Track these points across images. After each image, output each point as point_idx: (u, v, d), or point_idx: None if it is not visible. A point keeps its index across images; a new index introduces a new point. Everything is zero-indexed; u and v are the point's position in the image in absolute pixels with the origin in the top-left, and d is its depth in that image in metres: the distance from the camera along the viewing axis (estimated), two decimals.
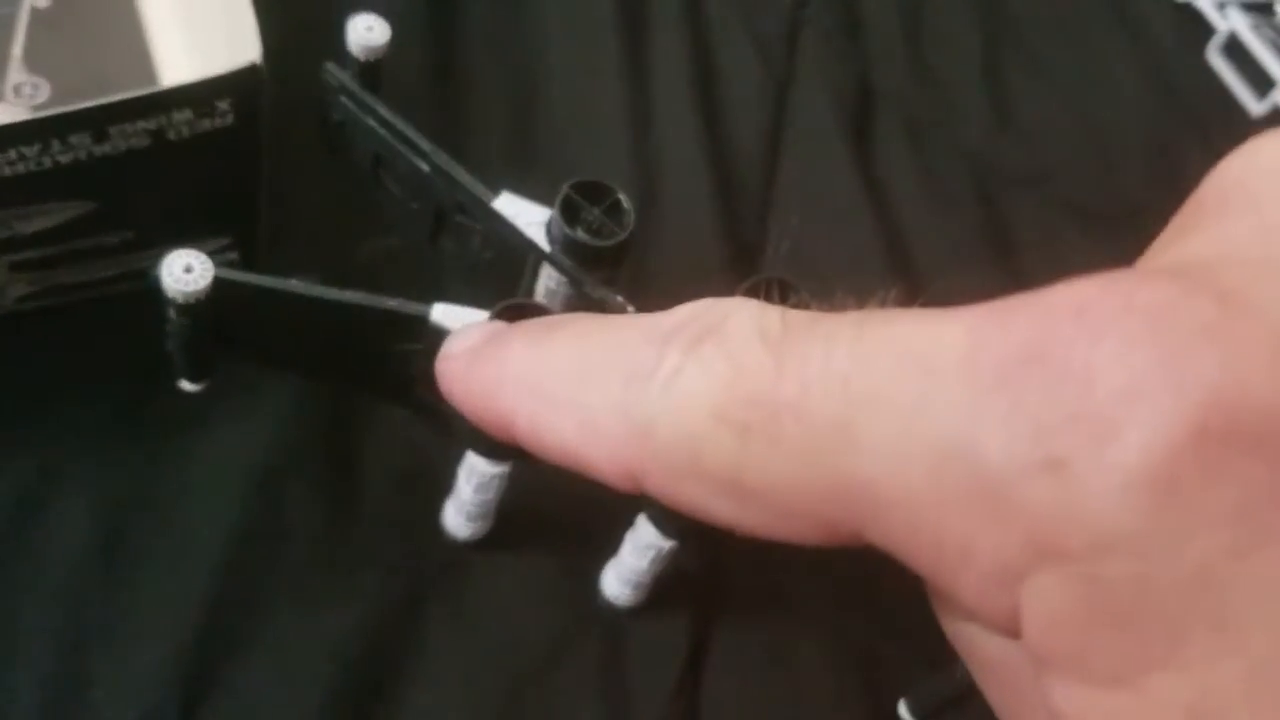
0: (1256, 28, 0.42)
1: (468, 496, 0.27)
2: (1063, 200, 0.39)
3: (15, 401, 0.29)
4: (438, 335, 0.23)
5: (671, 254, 0.34)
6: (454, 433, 0.25)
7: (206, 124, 0.25)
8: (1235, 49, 0.42)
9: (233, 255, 0.29)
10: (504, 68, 0.37)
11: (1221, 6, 0.43)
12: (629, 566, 0.27)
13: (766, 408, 0.17)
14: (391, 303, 0.23)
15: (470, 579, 0.29)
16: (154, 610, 0.27)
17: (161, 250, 0.22)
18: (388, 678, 0.27)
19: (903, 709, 0.28)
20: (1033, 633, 0.15)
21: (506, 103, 0.37)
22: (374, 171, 0.28)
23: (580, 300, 0.25)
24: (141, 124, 0.24)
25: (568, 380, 0.19)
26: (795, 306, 0.18)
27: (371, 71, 0.27)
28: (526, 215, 0.26)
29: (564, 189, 0.25)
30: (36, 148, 0.24)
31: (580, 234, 0.25)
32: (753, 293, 0.24)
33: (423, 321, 0.23)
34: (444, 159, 0.26)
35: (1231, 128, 0.42)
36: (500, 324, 0.22)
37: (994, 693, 0.18)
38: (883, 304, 0.18)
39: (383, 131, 0.27)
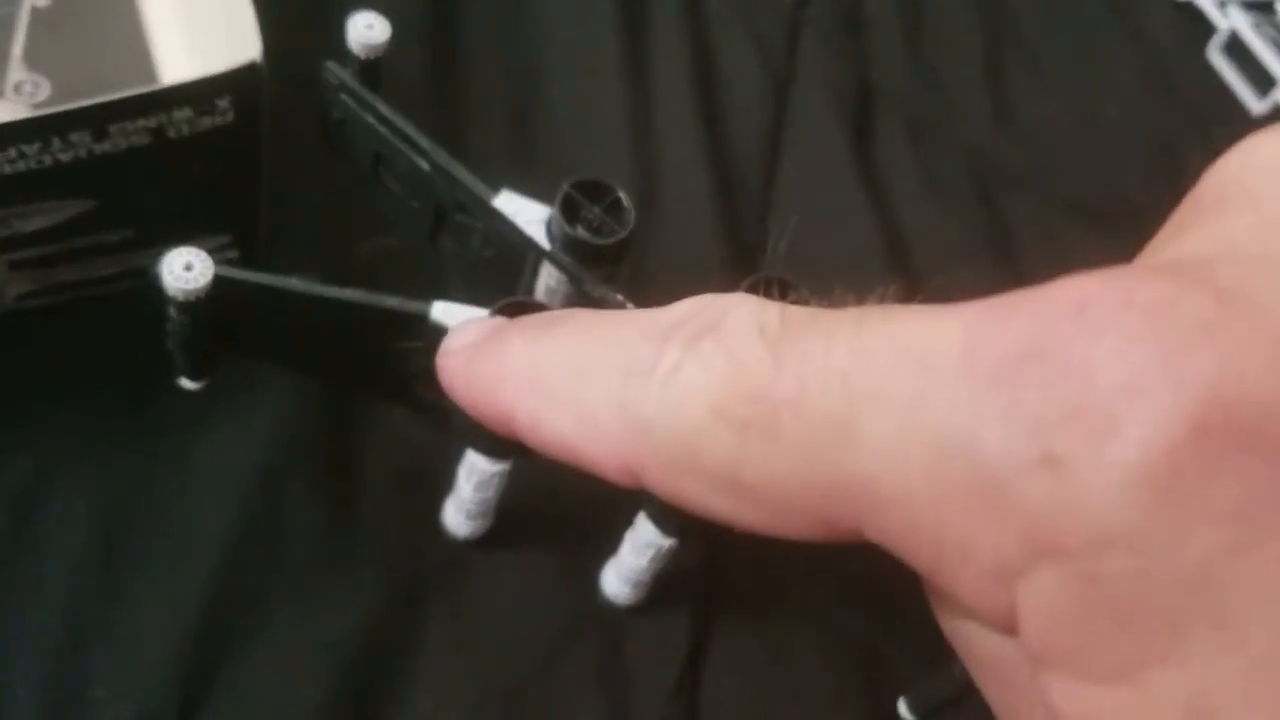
0: (1257, 26, 0.42)
1: (467, 495, 0.27)
2: (1063, 199, 0.39)
3: (14, 400, 0.29)
4: (438, 333, 0.23)
5: (671, 253, 0.34)
6: (454, 431, 0.25)
7: (207, 122, 0.25)
8: (1236, 48, 0.42)
9: (232, 253, 0.29)
10: (504, 66, 0.37)
11: (1222, 5, 0.43)
12: (629, 565, 0.27)
13: (765, 404, 0.17)
14: (391, 301, 0.23)
15: (470, 577, 0.29)
16: (154, 609, 0.27)
17: (162, 248, 0.22)
18: (387, 676, 0.27)
19: (902, 707, 0.28)
20: (1030, 630, 0.15)
21: (506, 102, 0.37)
22: (374, 170, 0.28)
23: (580, 298, 0.25)
24: (142, 122, 0.24)
25: (567, 376, 0.19)
26: (795, 304, 0.18)
27: (372, 70, 0.27)
28: (526, 213, 0.26)
29: (564, 187, 0.25)
30: (37, 146, 0.24)
31: (580, 232, 0.25)
32: (753, 291, 0.24)
33: (423, 319, 0.23)
34: (444, 157, 0.26)
35: (1232, 127, 0.41)
36: (500, 320, 0.22)
37: (992, 690, 0.18)
38: (881, 300, 0.18)
39: (383, 130, 0.27)
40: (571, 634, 0.28)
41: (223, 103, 0.25)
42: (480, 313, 0.23)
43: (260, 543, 0.28)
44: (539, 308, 0.23)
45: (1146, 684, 0.14)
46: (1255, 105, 0.42)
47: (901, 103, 0.40)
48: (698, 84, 0.38)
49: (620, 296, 0.24)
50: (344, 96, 0.27)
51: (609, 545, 0.28)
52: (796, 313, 0.17)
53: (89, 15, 0.26)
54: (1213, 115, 0.42)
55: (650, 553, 0.26)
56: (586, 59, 0.38)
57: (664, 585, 0.28)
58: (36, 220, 0.26)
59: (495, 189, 0.26)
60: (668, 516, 0.25)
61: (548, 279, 0.26)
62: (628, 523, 0.27)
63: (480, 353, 0.21)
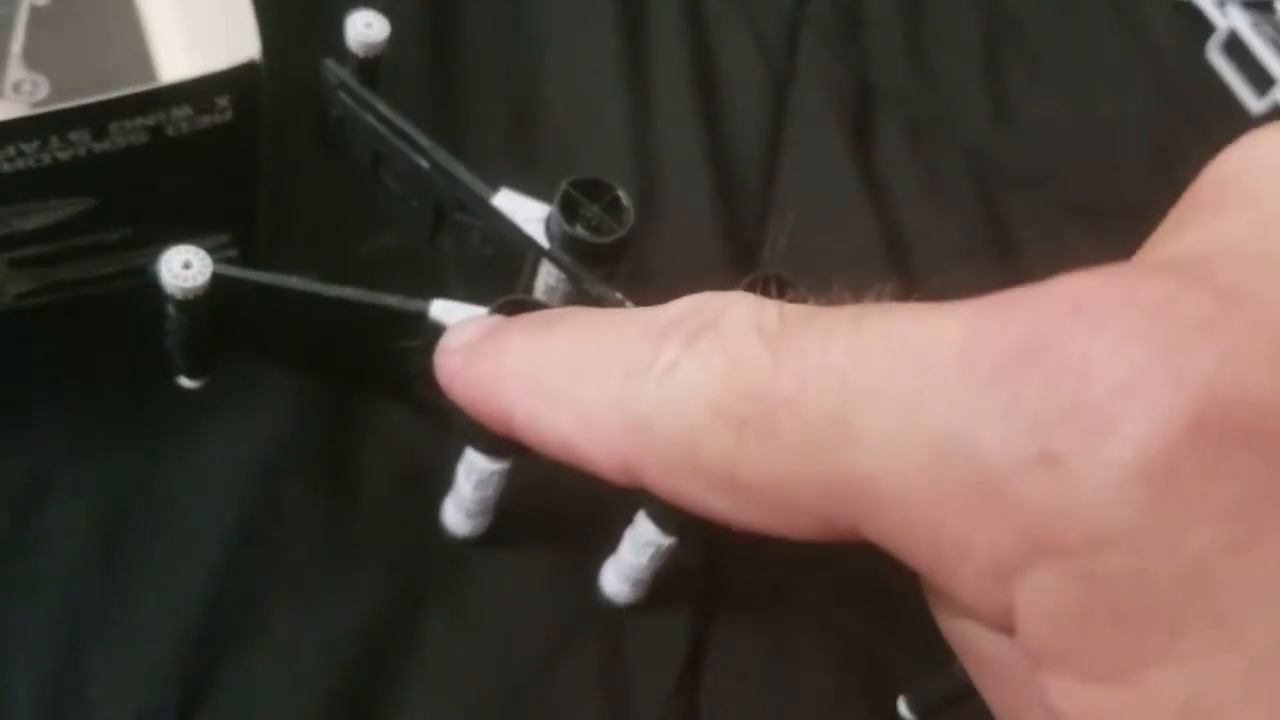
0: (1256, 25, 0.42)
1: (467, 493, 0.27)
2: (1063, 198, 0.39)
3: (14, 399, 0.29)
4: (437, 332, 0.23)
5: (671, 252, 0.34)
6: (453, 429, 0.25)
7: (205, 120, 0.25)
8: (1235, 47, 0.42)
9: (232, 252, 0.29)
10: (504, 66, 0.37)
11: (1221, 4, 0.43)
12: (628, 563, 0.27)
13: (763, 402, 0.17)
14: (391, 299, 0.23)
15: (470, 576, 0.29)
16: (153, 609, 0.27)
17: (161, 247, 0.22)
18: (387, 676, 0.27)
19: (902, 706, 0.28)
20: (1028, 629, 0.15)
21: (506, 101, 0.37)
22: (373, 168, 0.28)
23: (579, 297, 0.25)
24: (141, 120, 0.24)
25: (565, 375, 0.19)
26: (793, 302, 0.18)
27: (371, 68, 0.27)
28: (526, 212, 0.26)
29: (563, 186, 0.25)
30: (36, 144, 0.24)
31: (579, 231, 0.25)
32: (752, 289, 0.24)
33: (422, 318, 0.23)
34: (443, 156, 0.26)
35: (1231, 125, 0.41)
36: (498, 318, 0.22)
37: (990, 689, 0.18)
38: (879, 298, 0.18)
39: (382, 128, 0.27)
40: (571, 632, 0.28)
41: (222, 101, 0.25)
42: (480, 311, 0.23)
43: (260, 542, 0.28)
44: (538, 306, 0.23)
45: (1145, 684, 0.14)
46: (1254, 104, 0.42)
47: (901, 102, 0.40)
48: (697, 84, 0.38)
49: (619, 295, 0.24)
50: (343, 95, 0.27)
51: (609, 543, 0.28)
52: (794, 311, 0.17)
53: (88, 14, 0.26)
54: (1212, 114, 0.42)
55: (650, 551, 0.26)
56: (586, 59, 0.38)
57: (664, 583, 0.28)
58: (36, 219, 0.26)
59: (494, 187, 0.26)
60: (667, 515, 0.25)
61: (547, 277, 0.26)
62: (627, 521, 0.27)
63: (478, 351, 0.21)
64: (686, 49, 0.39)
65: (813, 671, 0.29)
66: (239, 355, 0.25)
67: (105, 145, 0.24)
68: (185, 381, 0.25)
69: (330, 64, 0.27)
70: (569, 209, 0.25)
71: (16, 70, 0.25)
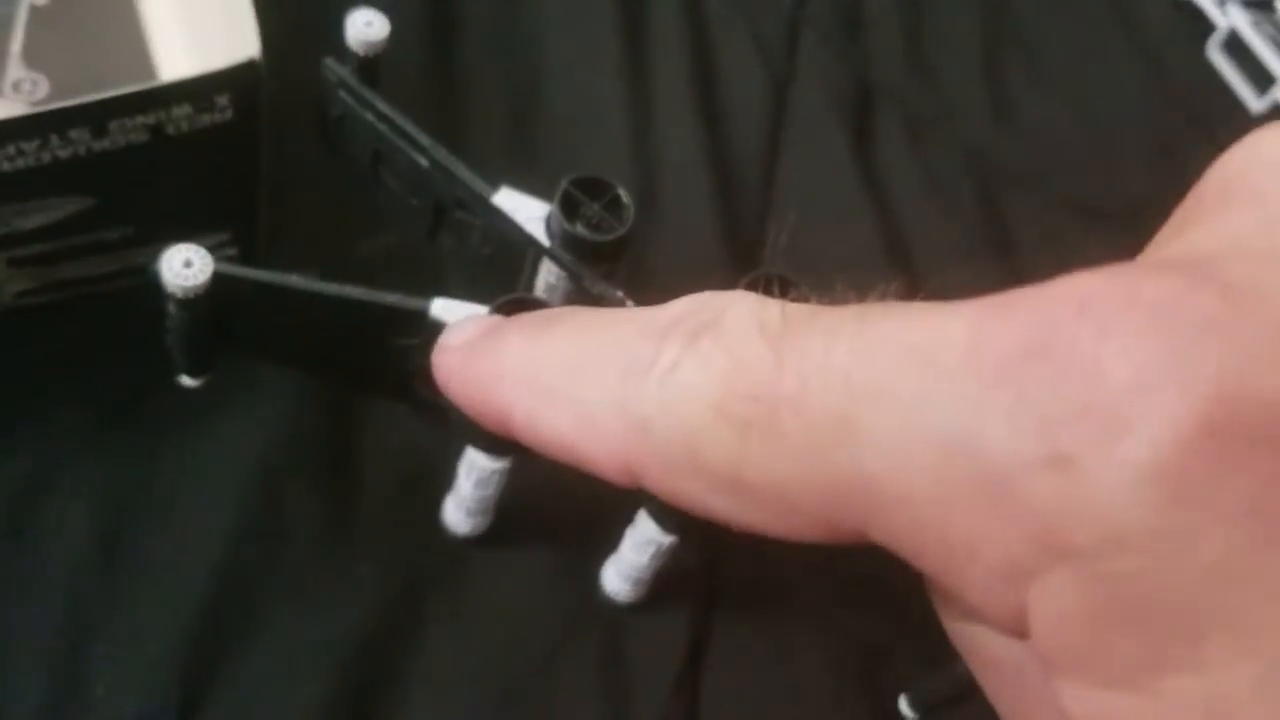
0: (1257, 24, 0.42)
1: (467, 492, 0.27)
2: (1063, 198, 0.39)
3: (14, 398, 0.29)
4: (437, 330, 0.23)
5: (671, 252, 0.34)
6: (454, 428, 0.25)
7: (205, 119, 0.25)
8: (1235, 46, 0.42)
9: (232, 251, 0.29)
10: (503, 65, 0.37)
11: (1222, 3, 0.43)
12: (629, 562, 0.27)
13: (766, 402, 0.16)
14: (391, 298, 0.23)
15: (470, 575, 0.28)
16: (153, 608, 0.27)
17: (161, 246, 0.22)
18: (387, 675, 0.27)
19: (904, 705, 0.28)
20: (1042, 633, 0.15)
21: (506, 100, 0.37)
22: (373, 167, 0.28)
23: (580, 295, 0.25)
24: (140, 119, 0.24)
25: (564, 375, 0.19)
26: (795, 301, 0.18)
27: (370, 67, 0.27)
28: (526, 210, 0.26)
29: (563, 184, 0.25)
30: (36, 143, 0.24)
31: (580, 229, 0.25)
32: (753, 288, 0.24)
33: (422, 316, 0.23)
34: (443, 154, 0.26)
35: (1232, 124, 0.41)
36: (496, 318, 0.22)
37: (996, 692, 0.18)
38: (883, 298, 0.18)
39: (382, 127, 0.26)
40: (572, 631, 0.28)
41: (222, 100, 0.25)
42: (480, 309, 0.23)
43: (260, 541, 0.28)
44: (539, 304, 0.23)
45: (1162, 691, 0.14)
46: (1254, 103, 0.42)
47: (901, 102, 0.40)
48: (697, 83, 0.38)
49: (620, 293, 0.24)
50: (343, 94, 0.27)
51: (609, 542, 0.28)
52: (797, 310, 0.17)
53: (87, 13, 0.26)
54: (1212, 113, 0.42)
55: (651, 550, 0.26)
56: (586, 58, 0.38)
57: (664, 582, 0.28)
58: (36, 217, 0.26)
59: (495, 186, 0.26)
60: (668, 514, 0.25)
61: (547, 276, 0.26)
62: (628, 520, 0.27)
63: (476, 350, 0.21)
64: (686, 49, 0.39)
65: (814, 670, 0.29)
66: (239, 354, 0.25)
67: (105, 144, 0.24)
68: (186, 380, 0.25)
69: (330, 63, 0.27)
70: (569, 207, 0.25)
71: (16, 69, 0.25)
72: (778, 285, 0.24)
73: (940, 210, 0.38)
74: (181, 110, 0.25)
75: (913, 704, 0.28)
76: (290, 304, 0.24)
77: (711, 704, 0.28)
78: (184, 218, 0.27)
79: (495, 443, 0.25)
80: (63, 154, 0.24)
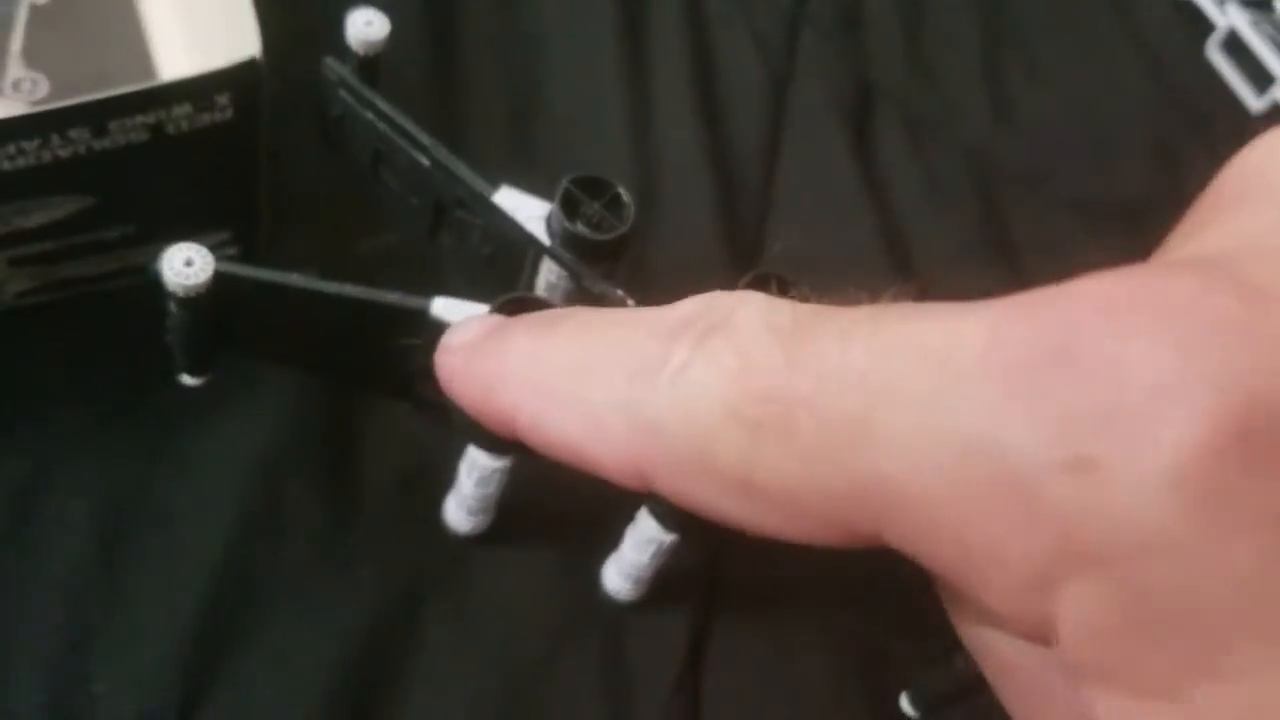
0: (1256, 24, 0.42)
1: (469, 491, 0.27)
2: (1063, 197, 0.39)
3: (14, 397, 0.29)
4: (438, 329, 0.23)
5: (671, 251, 0.34)
6: (455, 427, 0.25)
7: (206, 119, 0.25)
8: (1235, 45, 0.42)
9: (232, 250, 0.29)
10: (503, 64, 0.37)
11: (1221, 2, 0.43)
12: (630, 561, 0.27)
13: (779, 403, 0.16)
14: (392, 297, 0.23)
15: (471, 574, 0.28)
16: (153, 608, 0.27)
17: (161, 245, 0.22)
18: (388, 673, 0.27)
19: (905, 702, 0.28)
20: (1070, 642, 0.15)
21: (506, 99, 0.37)
22: (373, 166, 0.28)
23: (580, 294, 0.25)
24: (141, 118, 0.24)
25: (570, 376, 0.19)
26: (795, 300, 0.18)
27: (371, 66, 0.27)
28: (526, 209, 0.26)
29: (564, 183, 0.25)
30: (36, 142, 0.24)
31: (580, 228, 0.25)
32: (752, 288, 0.24)
33: (423, 315, 0.23)
34: (444, 153, 0.26)
35: (1231, 124, 0.42)
36: (500, 317, 0.22)
37: (1011, 696, 0.18)
38: (895, 299, 0.18)
39: (382, 126, 0.26)
40: (572, 630, 0.28)
41: (222, 99, 0.25)
42: (481, 308, 0.23)
43: (260, 540, 0.28)
44: (540, 303, 0.23)
45: (1193, 699, 0.14)
46: (1254, 103, 0.42)
47: (901, 101, 0.40)
48: (697, 82, 0.38)
49: (620, 292, 0.24)
50: (343, 93, 0.27)
51: (610, 541, 0.28)
52: (807, 310, 0.17)
53: (87, 12, 0.26)
54: (1211, 113, 0.42)
55: (651, 548, 0.26)
56: (586, 58, 0.38)
57: (665, 581, 0.28)
58: (36, 217, 0.26)
59: (495, 185, 0.26)
60: (669, 512, 0.25)
61: (548, 275, 0.26)
62: (629, 518, 0.27)
63: (480, 351, 0.21)
64: (686, 48, 0.39)
65: (815, 669, 0.29)
66: (240, 353, 0.25)
67: (105, 143, 0.24)
68: (186, 379, 0.25)
69: (330, 62, 0.27)
70: (570, 206, 0.25)
71: (16, 69, 0.25)
72: (776, 285, 0.24)
73: (939, 209, 0.38)
74: (182, 110, 0.25)
75: (914, 702, 0.28)
76: (291, 303, 0.24)
77: (712, 702, 0.28)
78: (184, 217, 0.27)
79: (496, 441, 0.25)
80: (63, 153, 0.24)
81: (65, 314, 0.29)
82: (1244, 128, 0.41)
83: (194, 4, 0.26)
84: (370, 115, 0.27)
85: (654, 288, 0.21)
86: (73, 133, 0.24)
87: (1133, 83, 0.42)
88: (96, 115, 0.24)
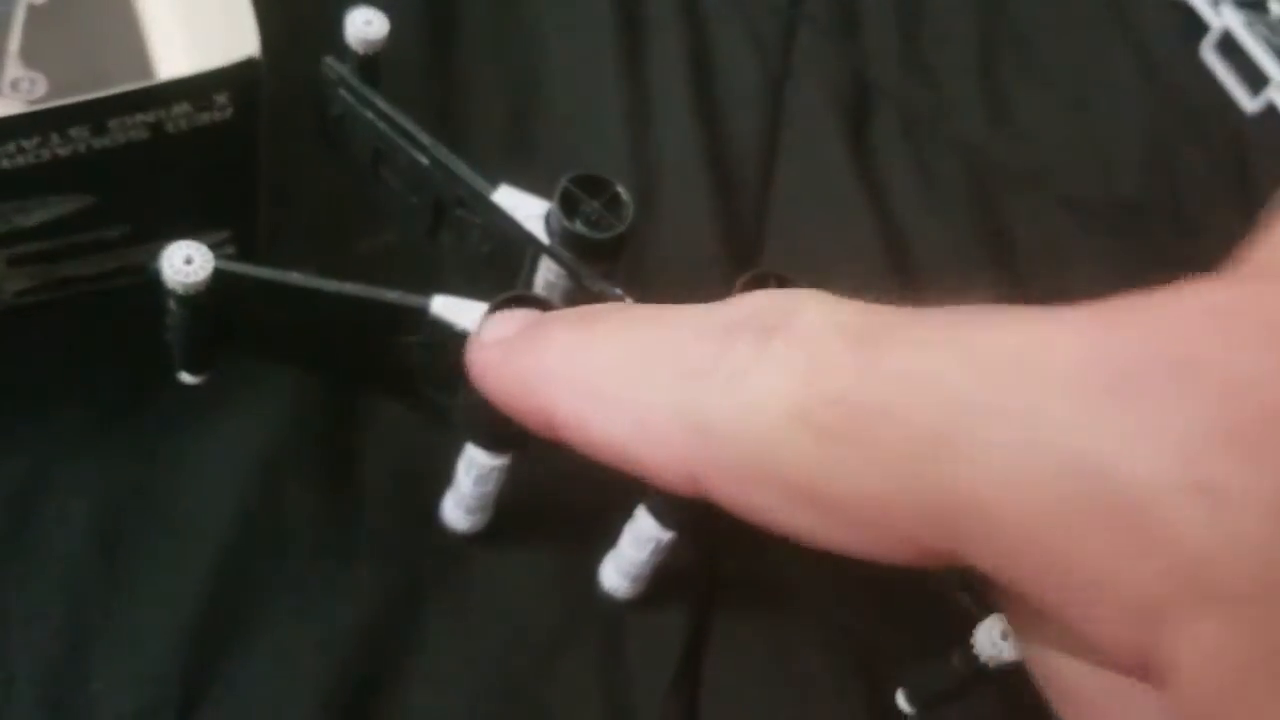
0: (1250, 25, 0.42)
1: (467, 489, 0.27)
2: (1060, 197, 0.39)
3: (14, 396, 0.29)
4: (437, 328, 0.23)
5: (670, 251, 0.34)
6: (453, 425, 0.25)
7: (205, 117, 0.25)
8: (1229, 46, 0.42)
9: (231, 249, 0.29)
10: (503, 63, 0.37)
11: (1215, 3, 0.43)
12: (628, 558, 0.27)
13: (851, 409, 0.15)
14: (391, 295, 0.23)
15: (469, 572, 0.29)
16: (153, 606, 0.27)
17: (161, 244, 0.22)
18: (387, 671, 0.27)
19: (901, 699, 0.28)
20: (1189, 685, 0.13)
21: (505, 98, 0.37)
22: (373, 165, 0.28)
23: (579, 293, 0.25)
24: (140, 117, 0.24)
25: (615, 375, 0.18)
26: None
27: (370, 65, 0.27)
28: (525, 208, 0.26)
29: (563, 182, 0.25)
30: (35, 141, 0.24)
31: (579, 227, 0.25)
32: (749, 288, 0.24)
33: (422, 313, 0.23)
34: (443, 152, 0.26)
35: (1225, 125, 0.42)
36: (535, 312, 0.21)
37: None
38: (978, 301, 0.17)
39: (382, 125, 0.27)
40: (571, 627, 0.28)
41: (221, 98, 0.25)
42: (481, 307, 0.23)
43: (260, 539, 0.28)
44: (539, 301, 0.23)
45: None
46: (1248, 104, 0.42)
47: (898, 101, 0.40)
48: (695, 82, 0.38)
49: (619, 291, 0.24)
50: (343, 92, 0.27)
51: (608, 539, 0.28)
52: (875, 311, 0.16)
53: (85, 12, 0.26)
54: (1206, 113, 0.42)
55: (650, 546, 0.26)
56: (585, 57, 0.38)
57: (663, 578, 0.28)
58: (36, 215, 0.26)
59: (494, 184, 0.26)
60: (667, 509, 0.25)
61: (546, 273, 0.26)
62: (627, 516, 0.27)
63: (516, 347, 0.20)
64: (684, 48, 0.39)
65: (813, 666, 0.29)
66: (240, 351, 0.25)
67: (105, 142, 0.24)
68: (186, 377, 0.25)
69: (330, 61, 0.27)
70: (569, 205, 0.25)
71: (15, 68, 0.25)
72: (774, 284, 0.24)
73: (937, 208, 0.38)
74: (181, 108, 0.25)
75: (909, 699, 0.28)
76: (291, 301, 0.24)
77: (710, 699, 0.28)
78: (184, 216, 0.27)
79: (495, 440, 0.25)
80: (62, 152, 0.24)
81: (65, 313, 0.29)
82: (1238, 129, 0.42)
83: (193, 3, 0.26)
84: (370, 114, 0.27)
85: (653, 286, 0.21)
86: (72, 131, 0.24)
87: (1128, 83, 0.42)
88: (96, 114, 0.24)
